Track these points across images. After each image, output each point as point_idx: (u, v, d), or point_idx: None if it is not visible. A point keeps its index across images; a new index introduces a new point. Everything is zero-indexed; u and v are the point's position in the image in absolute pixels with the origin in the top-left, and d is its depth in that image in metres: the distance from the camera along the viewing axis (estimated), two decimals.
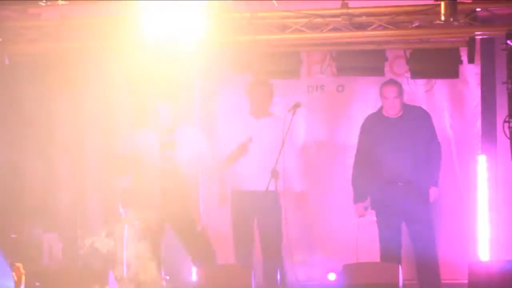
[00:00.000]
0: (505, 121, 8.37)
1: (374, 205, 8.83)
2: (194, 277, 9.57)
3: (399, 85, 8.79)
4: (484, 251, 9.52)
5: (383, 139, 8.74)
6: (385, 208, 8.74)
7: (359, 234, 9.89)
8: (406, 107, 8.84)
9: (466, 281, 8.34)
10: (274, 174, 8.62)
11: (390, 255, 8.71)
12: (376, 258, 9.06)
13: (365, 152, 8.85)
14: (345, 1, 8.38)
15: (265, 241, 9.03)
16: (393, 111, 8.74)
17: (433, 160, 8.72)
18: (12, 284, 5.21)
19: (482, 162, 9.58)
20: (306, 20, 8.47)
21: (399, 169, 8.64)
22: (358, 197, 8.89)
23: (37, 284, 8.71)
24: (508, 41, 8.15)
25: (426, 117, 8.85)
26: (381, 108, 8.88)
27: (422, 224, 8.67)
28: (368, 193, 8.84)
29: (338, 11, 8.41)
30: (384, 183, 8.70)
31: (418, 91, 9.73)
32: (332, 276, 8.86)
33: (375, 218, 9.24)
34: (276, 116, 9.15)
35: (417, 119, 8.77)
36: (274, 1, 8.49)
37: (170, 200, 8.45)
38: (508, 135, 8.34)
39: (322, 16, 8.48)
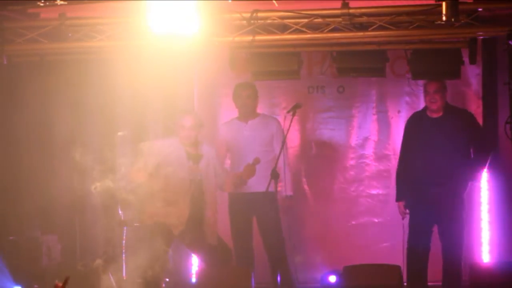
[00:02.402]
0: (506, 122, 8.35)
1: (408, 205, 8.77)
2: (193, 279, 9.56)
3: (441, 82, 8.74)
4: (486, 253, 9.49)
5: (421, 139, 8.71)
6: (417, 208, 8.67)
7: (359, 235, 9.87)
8: (449, 108, 8.78)
9: (468, 283, 8.34)
10: (274, 175, 8.57)
11: (416, 258, 8.65)
12: (377, 259, 9.02)
13: (406, 151, 8.83)
14: (346, 1, 8.34)
15: (267, 238, 9.00)
16: (434, 105, 8.67)
17: (477, 159, 8.67)
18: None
19: None
20: (306, 20, 8.43)
21: (433, 170, 8.58)
22: (399, 196, 8.85)
23: (35, 286, 8.69)
24: (510, 42, 8.12)
25: (469, 118, 8.78)
26: (426, 107, 8.84)
27: (452, 226, 8.60)
28: (408, 191, 8.79)
29: (339, 11, 8.37)
30: (418, 183, 8.65)
31: (419, 92, 9.69)
32: (332, 278, 8.84)
33: (376, 220, 9.22)
34: (264, 115, 9.17)
35: (459, 120, 8.69)
36: (274, 1, 8.46)
37: (196, 213, 8.41)
38: (510, 135, 8.30)
39: (322, 16, 8.44)
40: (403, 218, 8.84)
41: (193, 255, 9.54)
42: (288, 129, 8.67)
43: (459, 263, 8.62)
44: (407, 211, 8.76)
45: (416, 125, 8.83)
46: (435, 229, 8.68)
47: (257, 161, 8.57)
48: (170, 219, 8.22)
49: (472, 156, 8.68)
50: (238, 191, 8.86)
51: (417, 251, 8.65)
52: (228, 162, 9.37)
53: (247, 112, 9.15)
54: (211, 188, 8.52)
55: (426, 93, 8.77)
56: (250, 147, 8.93)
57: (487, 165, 8.77)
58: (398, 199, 8.85)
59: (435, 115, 8.74)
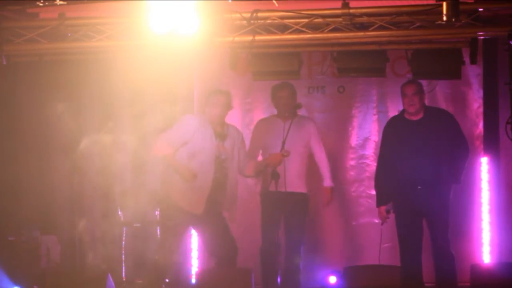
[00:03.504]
0: (507, 123, 8.33)
1: (394, 208, 8.74)
2: (193, 279, 9.55)
3: (418, 84, 8.70)
4: (486, 254, 9.47)
5: (403, 142, 8.64)
6: (405, 211, 8.63)
7: (360, 236, 9.86)
8: (428, 109, 8.74)
9: (469, 284, 8.33)
10: (275, 175, 8.53)
11: (409, 258, 8.62)
12: (377, 260, 9.01)
13: (386, 156, 8.77)
14: (346, 1, 8.33)
15: (289, 237, 8.95)
16: (412, 108, 8.62)
17: (457, 160, 8.63)
18: None
19: (484, 164, 9.52)
20: (306, 20, 8.42)
21: (418, 172, 8.53)
22: (380, 201, 8.79)
23: (35, 287, 8.68)
24: (511, 42, 8.10)
25: (449, 119, 8.72)
26: (403, 111, 8.80)
27: (440, 226, 8.58)
28: (390, 196, 8.74)
29: (339, 11, 8.36)
30: (403, 187, 8.62)
31: None
32: (333, 279, 8.83)
33: (376, 221, 9.20)
34: (302, 116, 9.13)
35: (439, 122, 8.64)
36: (274, 1, 8.44)
37: (216, 192, 8.34)
38: (511, 136, 8.28)
39: (322, 16, 8.43)
40: (382, 224, 8.84)
41: (192, 255, 9.55)
42: (289, 129, 8.64)
43: (451, 261, 8.60)
44: (388, 216, 8.75)
45: (397, 129, 8.76)
46: (425, 232, 8.67)
47: (286, 153, 8.50)
48: (191, 196, 8.16)
49: (452, 157, 8.67)
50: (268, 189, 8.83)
51: (409, 253, 8.64)
52: None
53: (287, 111, 9.05)
54: (234, 169, 8.44)
55: (404, 95, 8.70)
56: (288, 145, 8.78)
57: (465, 166, 8.73)
58: (379, 204, 8.81)
59: (415, 118, 8.69)
